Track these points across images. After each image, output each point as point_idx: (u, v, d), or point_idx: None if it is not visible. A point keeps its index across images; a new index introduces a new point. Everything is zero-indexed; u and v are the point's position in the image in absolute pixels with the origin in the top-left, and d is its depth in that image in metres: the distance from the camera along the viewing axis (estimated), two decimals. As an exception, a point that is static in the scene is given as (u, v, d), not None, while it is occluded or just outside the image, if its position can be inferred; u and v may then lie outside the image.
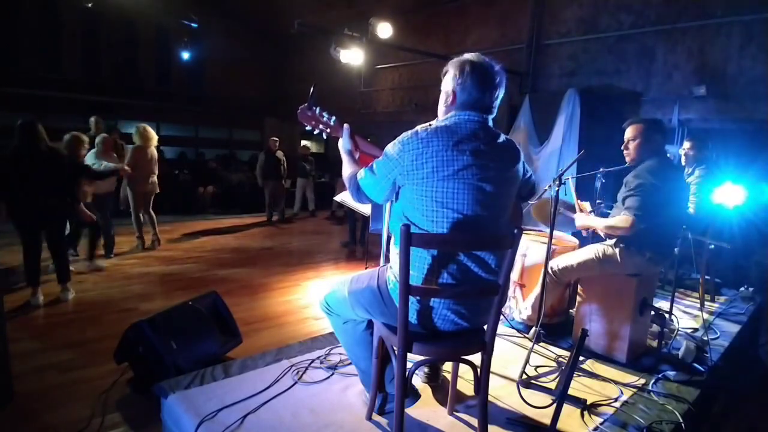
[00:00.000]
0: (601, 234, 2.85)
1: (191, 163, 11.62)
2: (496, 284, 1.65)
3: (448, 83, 1.71)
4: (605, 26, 6.99)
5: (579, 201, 3.11)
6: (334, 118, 2.04)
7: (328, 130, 2.05)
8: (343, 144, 1.98)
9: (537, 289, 3.07)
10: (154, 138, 5.99)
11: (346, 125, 2.00)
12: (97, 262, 5.09)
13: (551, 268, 2.88)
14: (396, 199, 1.72)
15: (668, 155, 5.20)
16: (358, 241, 7.20)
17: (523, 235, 1.81)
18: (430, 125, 1.67)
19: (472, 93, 1.64)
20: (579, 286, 2.99)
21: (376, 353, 1.87)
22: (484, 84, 1.64)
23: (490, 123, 1.70)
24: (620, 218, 2.63)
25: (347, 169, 1.89)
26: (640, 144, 2.71)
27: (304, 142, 11.38)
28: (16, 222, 3.94)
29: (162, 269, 5.20)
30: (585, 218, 2.89)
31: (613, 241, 2.73)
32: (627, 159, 2.78)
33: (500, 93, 1.69)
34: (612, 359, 2.73)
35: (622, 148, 2.80)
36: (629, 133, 2.76)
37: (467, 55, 1.69)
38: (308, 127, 2.05)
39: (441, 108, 1.75)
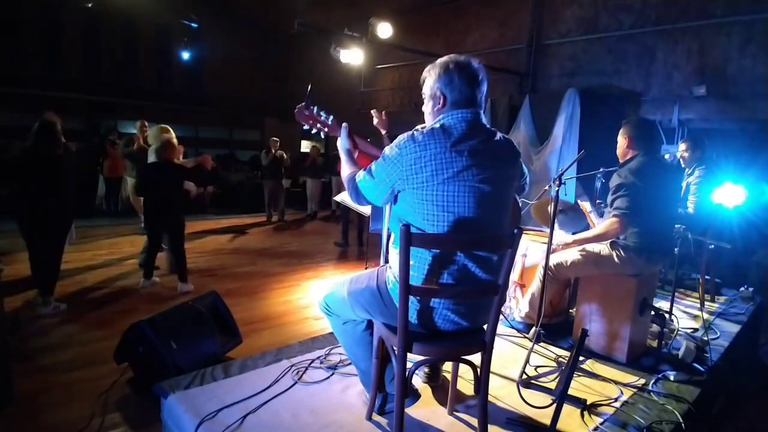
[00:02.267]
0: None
1: (191, 163, 11.61)
2: (496, 284, 1.65)
3: (432, 87, 1.69)
4: (605, 26, 6.99)
5: (579, 201, 3.11)
6: (332, 117, 2.03)
7: (326, 129, 2.04)
8: (342, 143, 1.97)
9: (533, 286, 3.07)
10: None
11: (344, 124, 1.99)
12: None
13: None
14: (395, 203, 1.71)
15: (666, 156, 5.20)
16: (355, 241, 7.22)
17: (523, 235, 1.81)
18: (424, 128, 1.66)
19: (462, 90, 1.64)
20: (579, 286, 2.99)
21: (376, 353, 1.87)
22: (472, 80, 1.64)
23: (483, 119, 1.70)
24: (605, 223, 2.67)
25: (346, 169, 1.88)
26: (626, 144, 2.77)
27: (313, 144, 11.42)
28: (20, 222, 3.87)
29: (162, 269, 5.18)
30: (569, 237, 2.89)
31: (609, 242, 2.73)
32: (619, 159, 2.85)
33: (485, 87, 1.69)
34: (612, 359, 2.72)
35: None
36: (619, 132, 2.83)
37: (444, 57, 1.68)
38: (306, 127, 2.05)
39: (429, 113, 1.73)
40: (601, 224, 2.76)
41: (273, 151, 9.04)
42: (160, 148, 4.63)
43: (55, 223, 3.89)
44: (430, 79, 1.70)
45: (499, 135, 1.70)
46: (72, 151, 4.02)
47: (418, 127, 1.67)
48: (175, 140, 4.79)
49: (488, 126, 1.70)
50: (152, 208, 4.64)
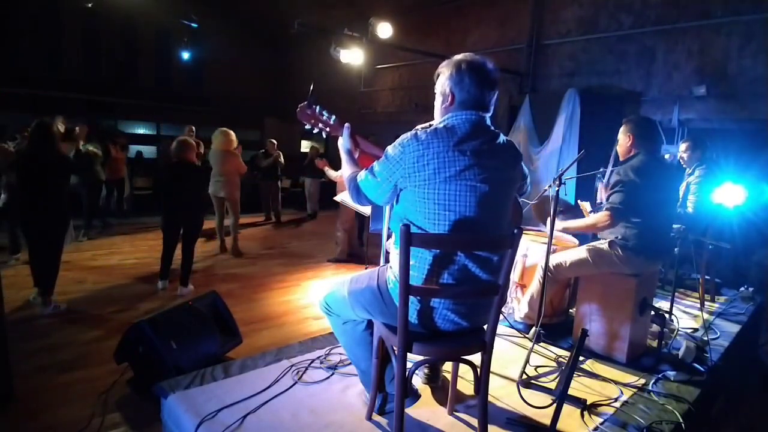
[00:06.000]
0: (598, 234, 2.88)
1: (191, 163, 11.64)
2: (497, 284, 1.65)
3: (444, 84, 1.69)
4: (605, 26, 6.99)
5: (579, 202, 3.11)
6: (334, 116, 2.03)
7: (328, 129, 2.04)
8: (343, 143, 1.97)
9: (533, 287, 3.07)
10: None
11: (346, 124, 1.99)
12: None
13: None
14: (396, 202, 1.71)
15: (666, 156, 5.19)
16: (355, 242, 7.19)
17: (523, 235, 1.81)
18: (429, 125, 1.67)
19: (470, 92, 1.63)
20: (579, 286, 2.99)
21: (376, 353, 1.87)
22: (482, 82, 1.64)
23: (488, 121, 1.70)
24: (598, 215, 2.71)
25: (347, 169, 1.88)
26: (627, 142, 2.78)
27: (313, 143, 11.40)
28: (21, 222, 3.88)
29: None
30: (563, 223, 2.92)
31: (608, 241, 2.74)
32: (619, 157, 2.87)
33: (496, 91, 1.69)
34: (612, 359, 2.72)
35: (616, 147, 2.87)
36: (620, 131, 2.84)
37: (460, 55, 1.68)
38: (308, 126, 2.04)
39: (438, 110, 1.74)
40: (594, 215, 2.83)
41: (272, 153, 9.03)
42: (177, 148, 4.53)
43: (53, 223, 3.89)
44: (443, 76, 1.70)
45: (501, 137, 1.70)
46: (68, 155, 4.03)
47: (420, 126, 1.67)
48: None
49: (493, 129, 1.70)
50: (168, 207, 4.61)
